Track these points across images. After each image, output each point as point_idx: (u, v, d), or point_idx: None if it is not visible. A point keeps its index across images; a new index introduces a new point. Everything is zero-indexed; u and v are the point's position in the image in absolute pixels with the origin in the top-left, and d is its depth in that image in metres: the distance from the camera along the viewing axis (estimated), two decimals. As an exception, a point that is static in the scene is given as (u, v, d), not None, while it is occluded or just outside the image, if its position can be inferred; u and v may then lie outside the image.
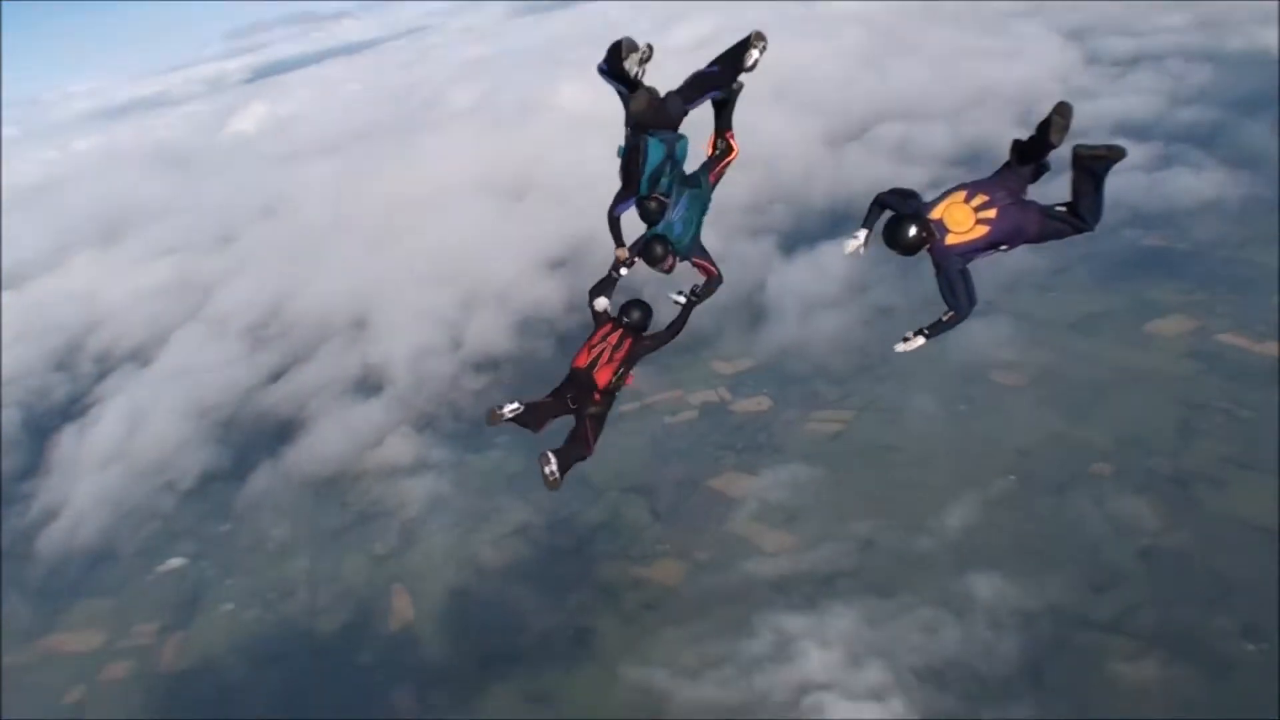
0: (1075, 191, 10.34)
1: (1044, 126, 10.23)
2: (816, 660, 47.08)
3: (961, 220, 10.45)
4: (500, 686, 50.50)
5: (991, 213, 10.40)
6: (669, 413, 69.18)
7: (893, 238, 10.52)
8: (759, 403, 67.81)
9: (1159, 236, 79.05)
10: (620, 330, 12.51)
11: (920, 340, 11.10)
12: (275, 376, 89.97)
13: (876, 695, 44.75)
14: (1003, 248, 10.63)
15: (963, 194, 10.59)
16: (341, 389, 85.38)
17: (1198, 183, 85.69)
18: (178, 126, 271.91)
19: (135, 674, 56.73)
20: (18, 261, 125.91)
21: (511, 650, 52.54)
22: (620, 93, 11.61)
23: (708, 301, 12.91)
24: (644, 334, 12.61)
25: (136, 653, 58.24)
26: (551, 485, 11.87)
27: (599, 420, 12.34)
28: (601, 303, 12.93)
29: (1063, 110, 10.13)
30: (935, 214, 10.56)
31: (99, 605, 62.85)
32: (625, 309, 12.61)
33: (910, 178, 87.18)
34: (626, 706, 47.27)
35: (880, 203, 11.09)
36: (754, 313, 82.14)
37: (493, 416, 11.95)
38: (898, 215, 10.63)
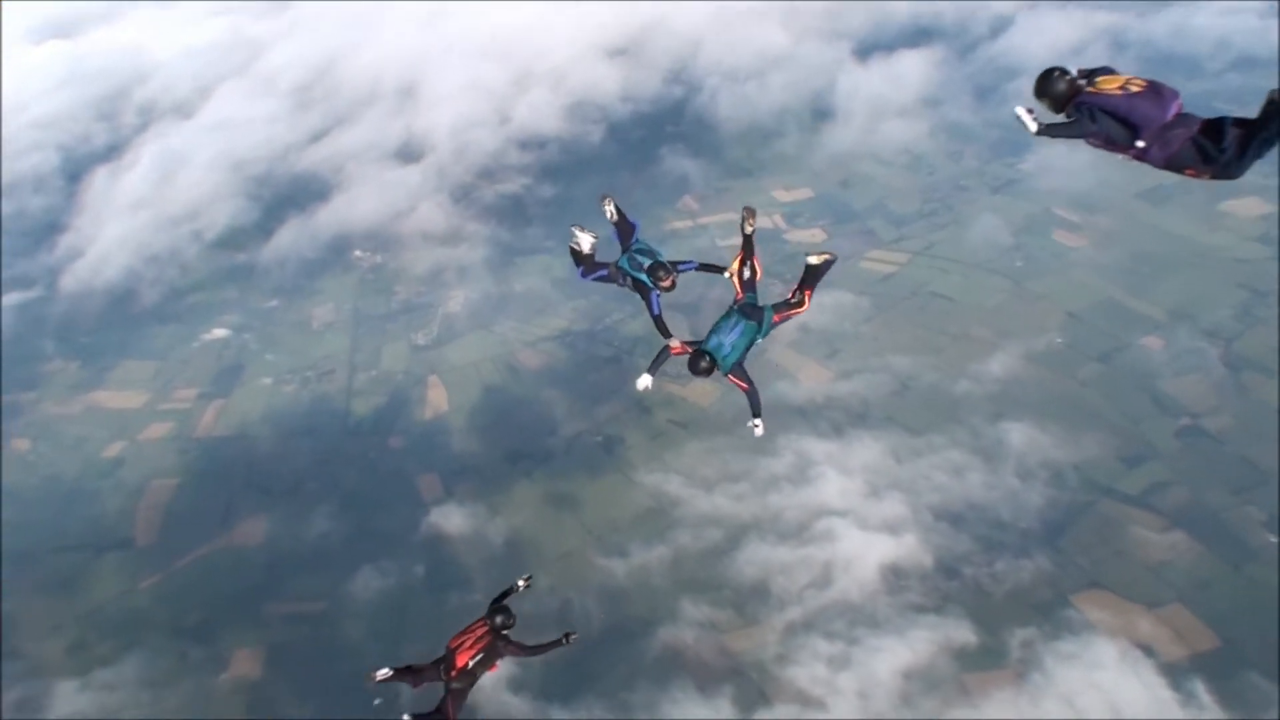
0: (1246, 131, 9.90)
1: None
2: (835, 486, 47.58)
3: (1107, 84, 10.32)
4: (525, 484, 51.57)
5: (1139, 85, 10.11)
6: (721, 234, 67.87)
7: (1042, 87, 10.49)
8: (813, 234, 66.50)
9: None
10: (487, 626, 13.71)
11: (1034, 124, 10.46)
12: (316, 137, 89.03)
13: (891, 528, 45.29)
14: (1138, 143, 10.12)
15: (1127, 76, 10.41)
16: (381, 154, 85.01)
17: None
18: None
19: (173, 435, 58.03)
20: (73, 9, 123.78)
21: (539, 451, 53.51)
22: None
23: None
24: (507, 636, 13.75)
25: (176, 415, 59.47)
26: None
27: (459, 695, 13.79)
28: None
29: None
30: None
31: (143, 367, 63.99)
32: (491, 611, 13.77)
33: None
34: (637, 509, 48.41)
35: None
36: (819, 114, 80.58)
37: (367, 678, 13.79)
38: (1053, 68, 10.57)
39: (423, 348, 62.91)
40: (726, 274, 13.67)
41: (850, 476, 47.87)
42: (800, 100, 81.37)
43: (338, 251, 74.08)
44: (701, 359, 12.72)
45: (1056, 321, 56.34)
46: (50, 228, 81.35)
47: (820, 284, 13.62)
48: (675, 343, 13.31)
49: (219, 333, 66.36)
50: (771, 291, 14.12)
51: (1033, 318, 56.87)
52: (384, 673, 13.65)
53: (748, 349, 13.08)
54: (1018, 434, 48.88)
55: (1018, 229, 63.79)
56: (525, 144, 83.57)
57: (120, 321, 69.02)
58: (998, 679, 39.59)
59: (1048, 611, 41.62)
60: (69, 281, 73.53)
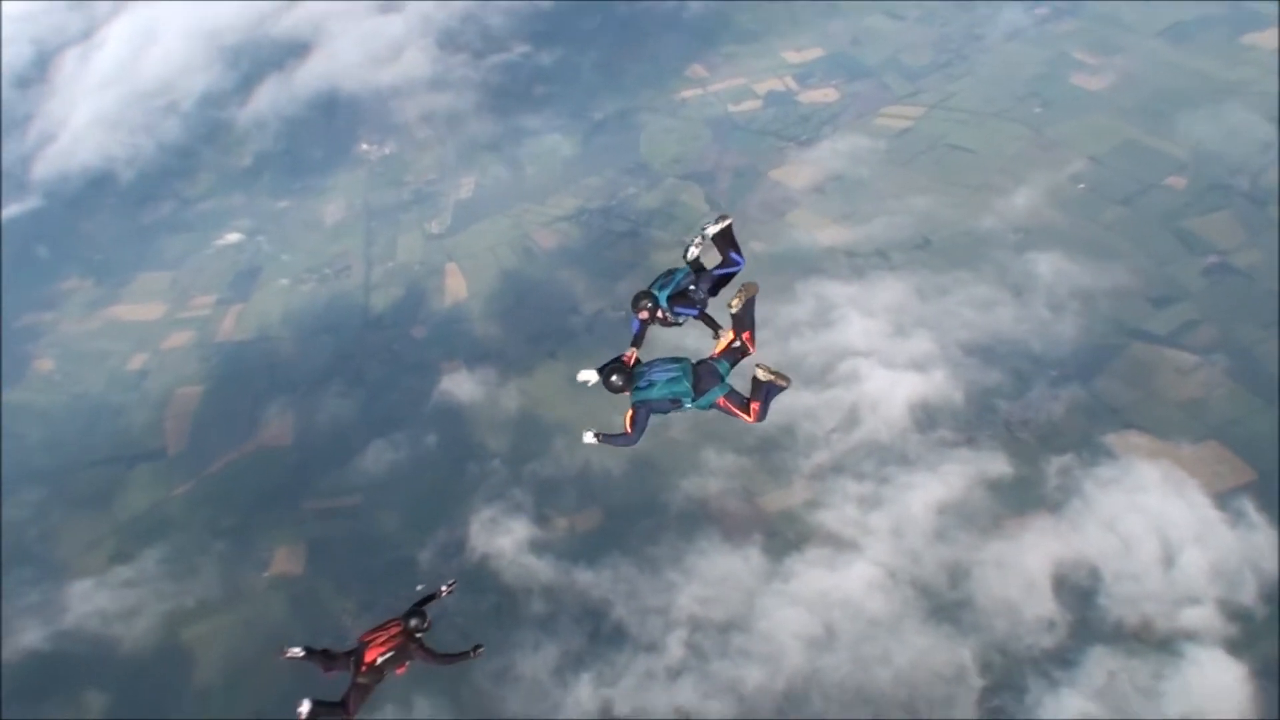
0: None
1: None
2: (858, 328, 47.12)
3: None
4: (548, 364, 51.22)
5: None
6: (732, 100, 66.81)
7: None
8: (826, 94, 65.39)
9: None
10: (401, 626, 13.42)
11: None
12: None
13: (918, 365, 44.82)
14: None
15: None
16: (362, 8, 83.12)
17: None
18: None
19: (195, 343, 57.95)
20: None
21: (561, 330, 53.19)
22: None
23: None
24: (419, 640, 13.50)
25: (196, 323, 59.35)
26: None
27: (364, 690, 13.36)
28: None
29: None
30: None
31: (159, 278, 63.69)
32: (408, 613, 13.46)
33: None
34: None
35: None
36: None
37: (278, 652, 13.37)
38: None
39: (437, 236, 62.31)
40: (715, 337, 12.96)
41: (873, 317, 47.40)
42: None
43: (338, 136, 73.04)
44: (616, 374, 11.98)
45: (1078, 166, 55.24)
46: (26, 119, 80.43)
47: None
48: (630, 354, 12.63)
49: (232, 237, 65.94)
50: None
51: (1054, 164, 55.72)
52: (296, 651, 13.33)
53: (670, 403, 12.22)
54: (1046, 264, 48.32)
55: (1035, 75, 62.27)
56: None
57: (132, 235, 68.46)
58: (1036, 508, 39.38)
59: (1084, 440, 41.25)
60: (41, 168, 73.19)
